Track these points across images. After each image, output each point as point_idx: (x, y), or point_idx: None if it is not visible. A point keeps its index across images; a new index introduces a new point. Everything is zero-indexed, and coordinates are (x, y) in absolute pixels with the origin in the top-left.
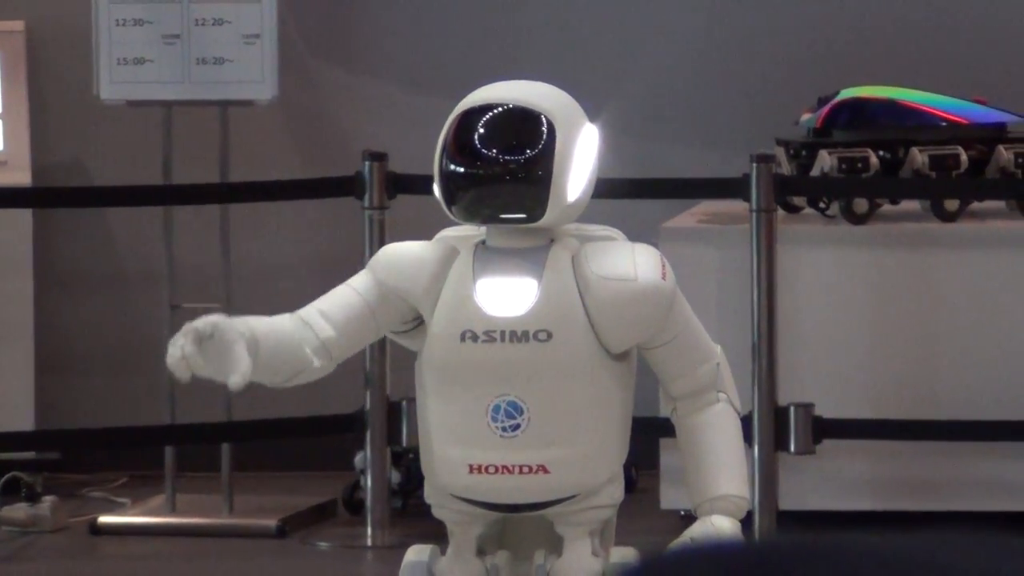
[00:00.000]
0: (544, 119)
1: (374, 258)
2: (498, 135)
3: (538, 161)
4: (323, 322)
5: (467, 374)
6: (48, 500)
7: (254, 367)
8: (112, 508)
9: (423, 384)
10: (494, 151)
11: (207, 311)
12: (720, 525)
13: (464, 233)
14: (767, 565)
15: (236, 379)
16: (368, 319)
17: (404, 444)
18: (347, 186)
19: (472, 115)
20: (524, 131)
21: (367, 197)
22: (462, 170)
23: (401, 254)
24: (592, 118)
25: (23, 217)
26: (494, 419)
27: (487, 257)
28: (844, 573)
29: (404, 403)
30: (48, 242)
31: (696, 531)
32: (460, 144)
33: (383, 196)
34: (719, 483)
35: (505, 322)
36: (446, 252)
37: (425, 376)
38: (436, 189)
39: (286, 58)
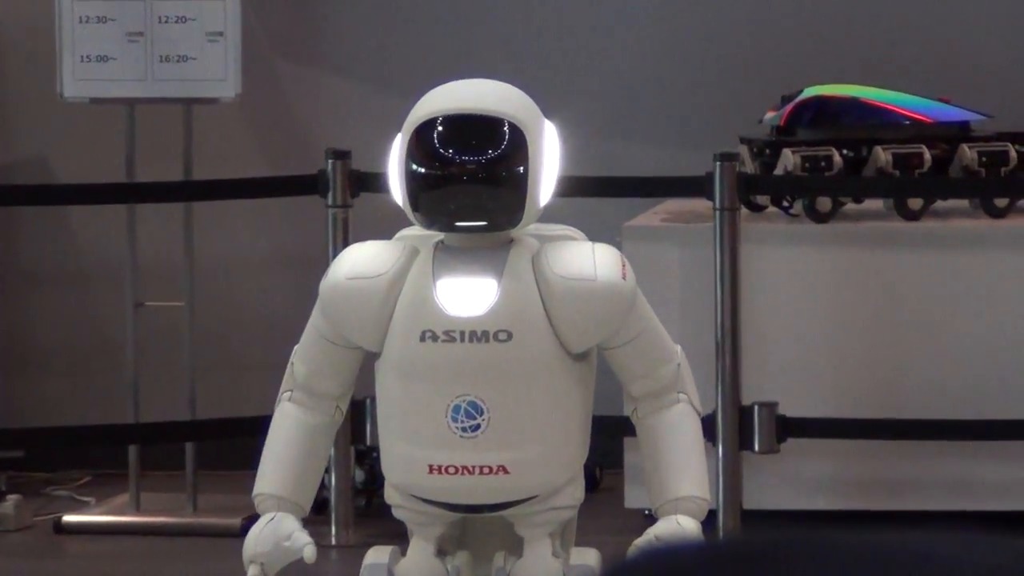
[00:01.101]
0: (511, 125)
1: (320, 291)
2: (467, 142)
3: (513, 167)
4: (325, 402)
5: (427, 374)
6: (11, 499)
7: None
8: (76, 507)
9: (383, 384)
10: (466, 158)
11: (170, 309)
12: (685, 524)
13: (424, 232)
14: (735, 562)
15: (309, 552)
16: (346, 354)
17: (367, 443)
18: (310, 184)
19: (437, 122)
20: (492, 138)
21: (330, 195)
22: (435, 175)
23: (341, 293)
24: (555, 116)
25: None
26: (454, 419)
27: (447, 257)
28: (812, 569)
29: (367, 401)
30: (10, 240)
31: (661, 529)
32: (427, 152)
33: (346, 194)
34: (680, 484)
35: (465, 322)
36: (403, 256)
37: (385, 376)
38: (398, 195)
39: (250, 56)
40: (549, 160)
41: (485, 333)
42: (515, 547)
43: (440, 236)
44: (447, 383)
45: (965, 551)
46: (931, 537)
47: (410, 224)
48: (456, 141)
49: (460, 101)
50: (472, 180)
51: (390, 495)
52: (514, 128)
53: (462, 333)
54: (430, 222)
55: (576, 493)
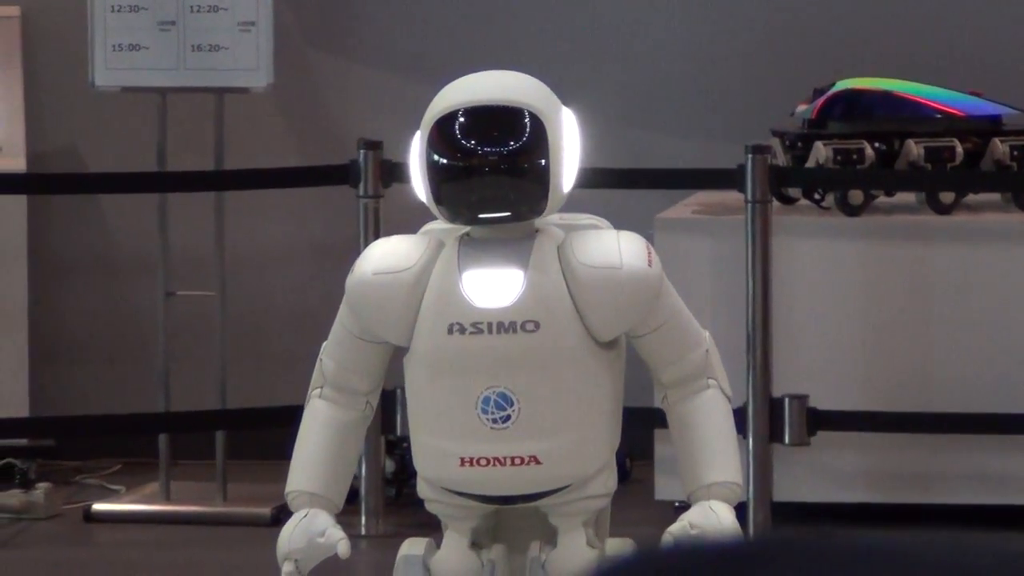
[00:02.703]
0: (531, 115)
1: (347, 287)
2: (488, 133)
3: (534, 157)
4: (355, 399)
5: (456, 366)
6: (42, 487)
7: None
8: (106, 495)
9: (412, 378)
10: (488, 149)
11: (201, 298)
12: (718, 510)
13: (449, 225)
14: (763, 561)
15: (343, 547)
16: (374, 349)
17: (398, 433)
18: (342, 174)
19: (457, 115)
20: (513, 129)
21: (362, 185)
22: (458, 167)
23: (367, 288)
24: (586, 108)
25: (17, 204)
26: (484, 411)
27: (472, 249)
28: (842, 570)
29: (398, 391)
30: (43, 229)
31: (694, 515)
32: (449, 144)
33: (378, 184)
34: (713, 470)
35: (492, 313)
36: (428, 250)
37: (414, 370)
38: (420, 191)
39: (281, 46)
40: (570, 148)
41: (512, 324)
42: (549, 537)
43: (465, 228)
44: (476, 375)
45: (956, 556)
46: (929, 539)
47: (435, 218)
48: (477, 133)
49: (480, 93)
50: (494, 171)
51: (422, 489)
52: (534, 118)
53: (489, 325)
54: (454, 215)
55: (609, 482)
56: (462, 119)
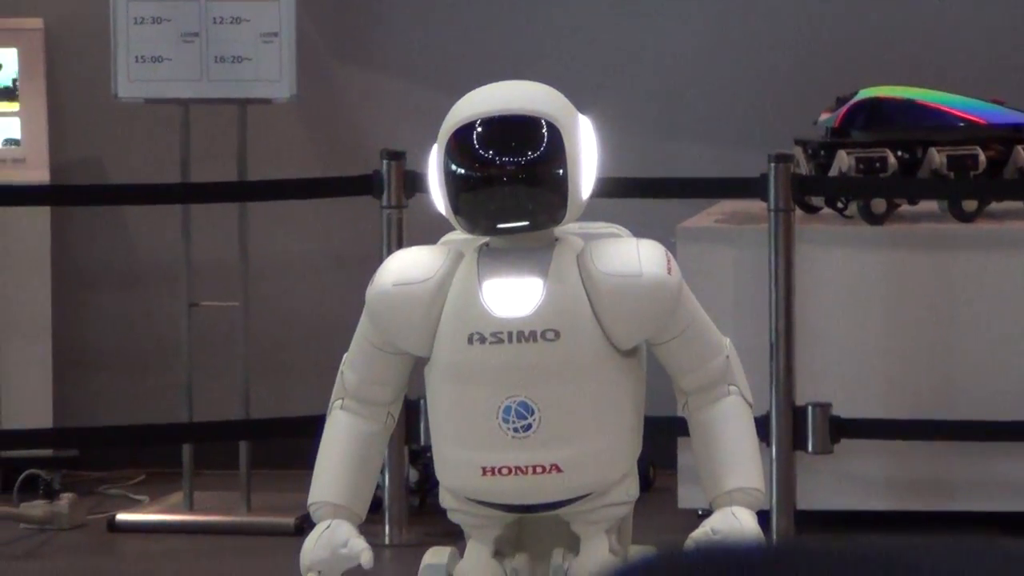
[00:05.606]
0: (548, 124)
1: (367, 298)
2: (506, 143)
3: (552, 167)
4: (377, 410)
5: (476, 376)
6: (66, 497)
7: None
8: (130, 505)
9: (433, 389)
10: (506, 159)
11: (225, 309)
12: (741, 516)
13: (469, 235)
14: (782, 565)
15: (366, 557)
16: (395, 360)
17: (421, 443)
18: (365, 185)
19: (474, 126)
20: (530, 138)
21: (385, 196)
22: (476, 176)
23: (388, 300)
24: (608, 116)
25: (41, 215)
26: (505, 420)
27: (491, 258)
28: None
29: (421, 402)
30: (66, 240)
31: (716, 522)
32: (467, 154)
33: (401, 195)
34: (734, 476)
35: (512, 323)
36: (448, 260)
37: (435, 380)
38: (439, 202)
39: (304, 57)
40: (587, 156)
41: (533, 333)
42: (572, 545)
43: (484, 239)
44: (497, 384)
45: (974, 563)
46: (948, 545)
47: (455, 229)
48: (495, 143)
49: (496, 103)
50: (512, 181)
51: (445, 499)
52: (551, 127)
53: (509, 334)
54: (472, 225)
55: (631, 489)
56: (479, 129)
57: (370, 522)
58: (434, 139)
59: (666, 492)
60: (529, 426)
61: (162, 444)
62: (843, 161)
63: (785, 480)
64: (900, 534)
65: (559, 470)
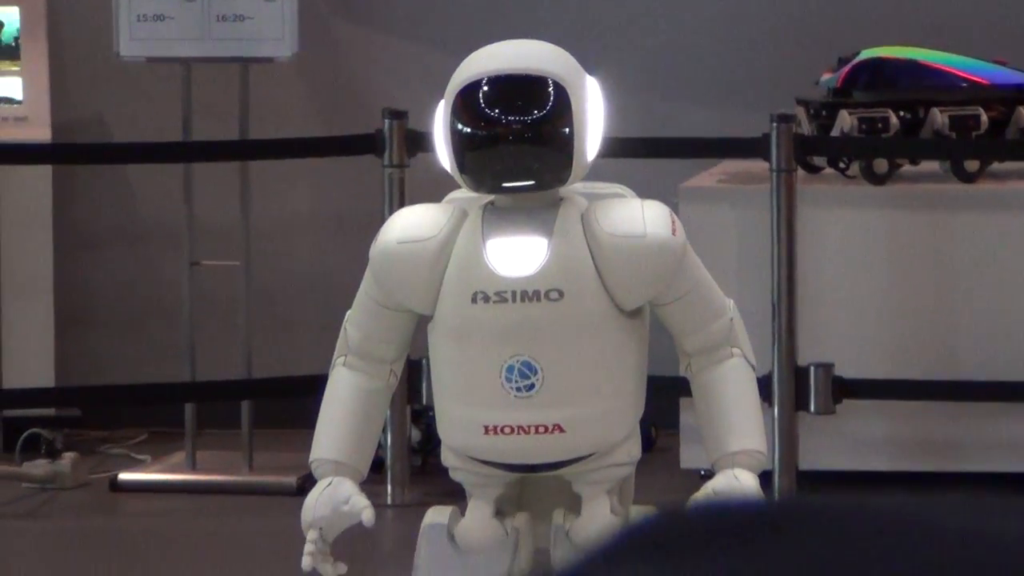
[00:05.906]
0: (555, 83)
1: (371, 255)
2: (512, 102)
3: (558, 126)
4: (380, 367)
5: (480, 335)
6: (68, 456)
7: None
8: (132, 465)
9: (436, 347)
10: (512, 118)
11: (226, 268)
12: (743, 478)
13: (473, 194)
14: (785, 524)
15: (368, 515)
16: (398, 318)
17: (424, 402)
18: (367, 144)
19: (481, 84)
20: (537, 97)
21: (386, 155)
22: (481, 135)
23: (392, 257)
24: (611, 76)
25: (43, 174)
26: (508, 380)
27: (496, 217)
28: (864, 535)
29: (423, 361)
30: (68, 199)
31: (718, 483)
32: (473, 113)
33: (403, 154)
34: (736, 438)
35: (516, 282)
36: (453, 218)
37: (438, 339)
38: (445, 160)
39: (306, 15)
40: (594, 116)
41: (536, 292)
42: (573, 505)
43: (489, 196)
44: (500, 344)
45: (982, 521)
46: (955, 504)
47: (459, 187)
48: (501, 102)
49: (503, 62)
50: (518, 140)
51: (447, 458)
52: (558, 86)
53: (513, 293)
54: (477, 184)
55: (633, 450)
56: (486, 88)
57: (372, 482)
58: (437, 98)
59: (668, 452)
60: (532, 386)
61: (164, 403)
62: (845, 121)
63: (787, 440)
64: (903, 494)
65: (562, 430)
